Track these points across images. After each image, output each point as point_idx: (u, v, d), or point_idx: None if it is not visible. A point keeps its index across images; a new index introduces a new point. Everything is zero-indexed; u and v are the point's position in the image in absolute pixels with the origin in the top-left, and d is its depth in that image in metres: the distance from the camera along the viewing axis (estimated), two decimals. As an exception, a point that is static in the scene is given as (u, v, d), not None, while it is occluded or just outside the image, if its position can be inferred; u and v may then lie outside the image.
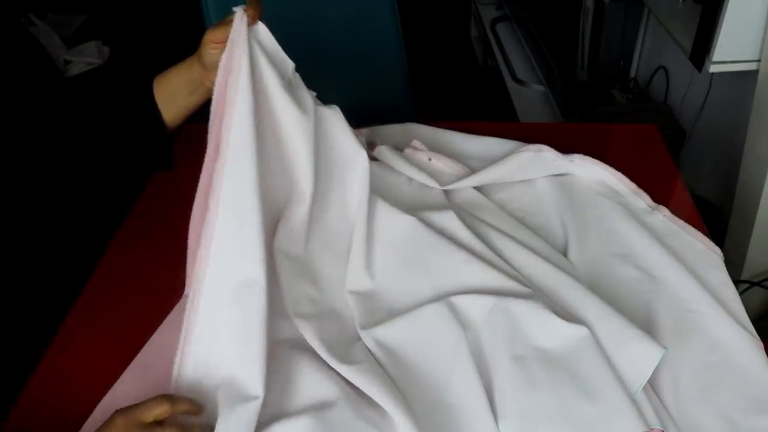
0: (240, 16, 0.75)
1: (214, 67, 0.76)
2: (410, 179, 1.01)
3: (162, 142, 0.88)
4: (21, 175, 0.83)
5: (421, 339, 0.79)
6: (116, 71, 2.72)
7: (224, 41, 0.75)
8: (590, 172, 1.03)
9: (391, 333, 0.80)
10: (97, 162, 0.89)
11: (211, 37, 0.76)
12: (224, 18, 0.77)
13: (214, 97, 0.78)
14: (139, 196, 1.05)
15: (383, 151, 1.03)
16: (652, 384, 0.75)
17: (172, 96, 0.85)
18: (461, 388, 0.74)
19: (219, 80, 0.76)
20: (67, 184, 0.89)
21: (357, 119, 1.18)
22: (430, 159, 1.05)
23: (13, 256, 0.83)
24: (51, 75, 0.88)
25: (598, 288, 0.84)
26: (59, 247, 0.90)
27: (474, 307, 0.80)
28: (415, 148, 1.07)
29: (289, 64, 0.82)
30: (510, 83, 2.28)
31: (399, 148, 1.08)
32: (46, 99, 0.84)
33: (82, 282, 0.91)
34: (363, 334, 0.80)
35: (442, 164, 1.05)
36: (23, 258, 0.85)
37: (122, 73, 2.70)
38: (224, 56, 0.76)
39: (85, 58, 2.73)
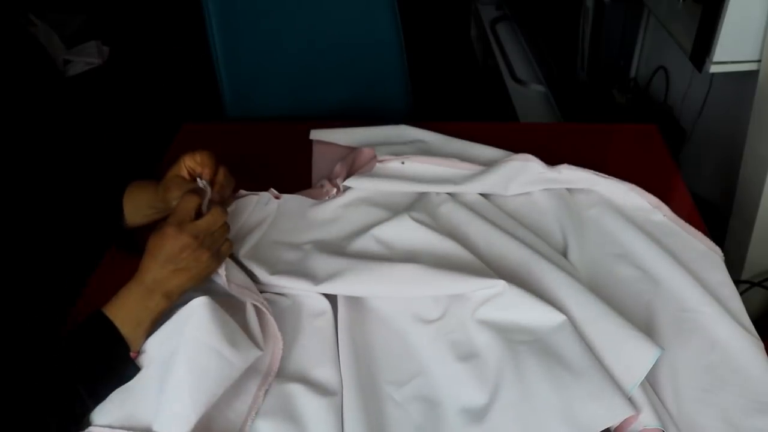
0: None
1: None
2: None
3: (121, 234, 0.92)
4: (20, 174, 0.83)
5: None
6: (116, 71, 2.72)
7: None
8: (579, 181, 1.00)
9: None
10: (95, 162, 0.89)
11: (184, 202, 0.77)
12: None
13: None
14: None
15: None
16: (652, 384, 0.75)
17: (136, 206, 0.90)
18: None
19: None
20: (66, 184, 0.89)
21: (356, 119, 1.18)
22: (403, 162, 1.03)
23: (12, 256, 0.83)
24: (50, 75, 0.88)
25: (597, 288, 0.84)
26: (59, 248, 0.90)
27: (467, 307, 0.81)
28: (384, 160, 1.03)
29: None
30: (510, 83, 2.28)
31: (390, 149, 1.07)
32: (46, 99, 0.85)
33: (81, 283, 0.91)
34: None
35: (417, 163, 1.03)
36: (22, 258, 0.85)
37: (122, 73, 2.70)
38: None
39: (85, 57, 2.73)
